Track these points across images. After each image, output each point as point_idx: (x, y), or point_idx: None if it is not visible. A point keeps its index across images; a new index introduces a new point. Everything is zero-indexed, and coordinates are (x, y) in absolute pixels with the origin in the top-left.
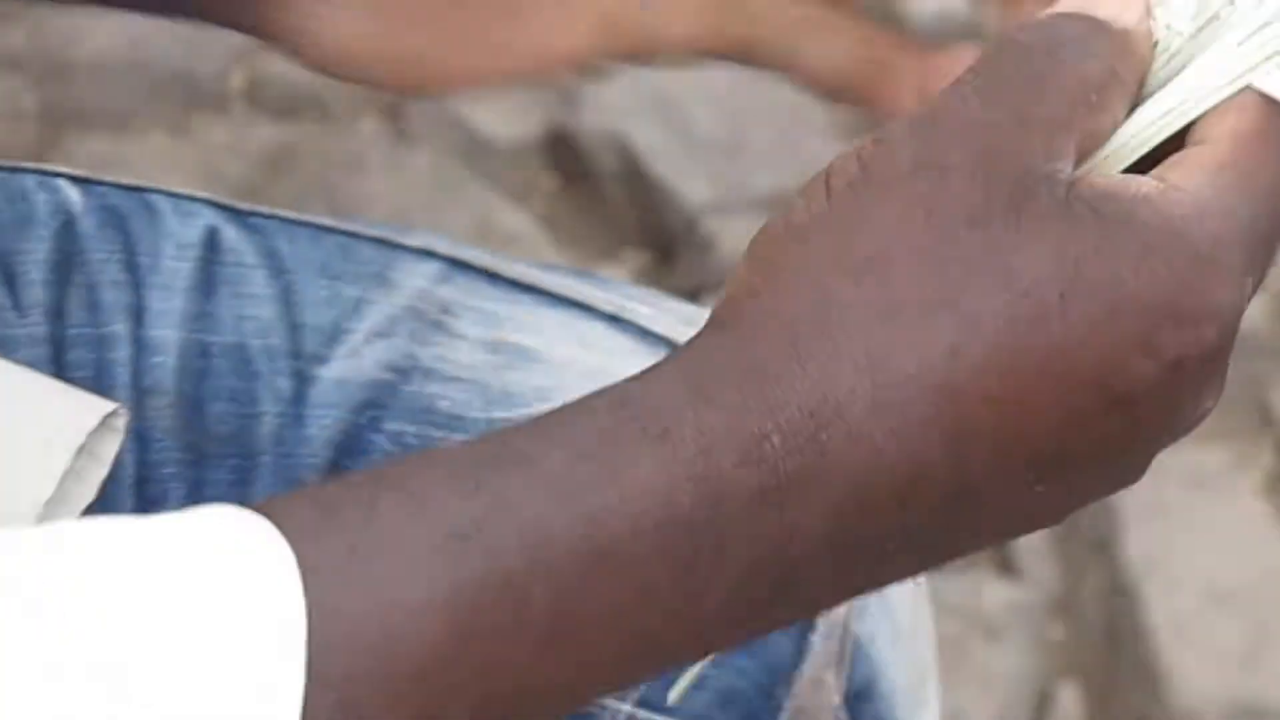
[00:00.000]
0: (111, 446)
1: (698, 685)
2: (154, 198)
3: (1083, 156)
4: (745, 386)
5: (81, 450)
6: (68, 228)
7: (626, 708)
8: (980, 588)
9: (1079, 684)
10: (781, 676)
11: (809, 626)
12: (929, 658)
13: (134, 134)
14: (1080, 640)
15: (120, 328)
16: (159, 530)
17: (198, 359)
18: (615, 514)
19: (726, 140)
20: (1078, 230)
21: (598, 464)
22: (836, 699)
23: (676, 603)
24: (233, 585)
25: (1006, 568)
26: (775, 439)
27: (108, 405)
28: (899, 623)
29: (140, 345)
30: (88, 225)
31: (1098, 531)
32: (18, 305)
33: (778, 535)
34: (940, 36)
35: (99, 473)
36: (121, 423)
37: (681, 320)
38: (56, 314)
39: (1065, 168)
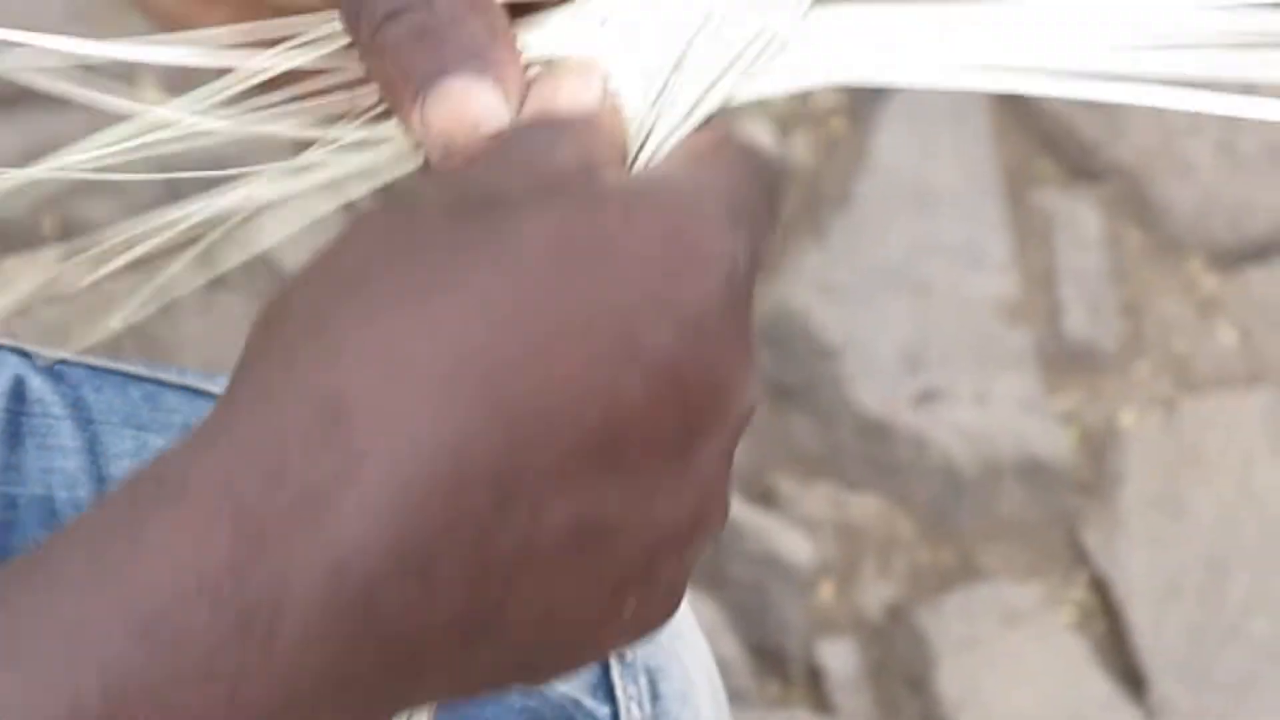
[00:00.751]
0: None
1: None
2: None
3: None
4: (250, 413)
5: None
6: None
7: None
8: None
9: None
10: None
11: None
12: None
13: None
14: None
15: None
16: None
17: (4, 511)
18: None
19: None
20: (556, 205)
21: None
22: None
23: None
24: None
25: (821, 705)
26: (293, 447)
27: None
28: None
29: None
30: None
31: (912, 667)
32: None
33: (334, 555)
34: None
35: None
36: None
37: None
38: None
39: None
